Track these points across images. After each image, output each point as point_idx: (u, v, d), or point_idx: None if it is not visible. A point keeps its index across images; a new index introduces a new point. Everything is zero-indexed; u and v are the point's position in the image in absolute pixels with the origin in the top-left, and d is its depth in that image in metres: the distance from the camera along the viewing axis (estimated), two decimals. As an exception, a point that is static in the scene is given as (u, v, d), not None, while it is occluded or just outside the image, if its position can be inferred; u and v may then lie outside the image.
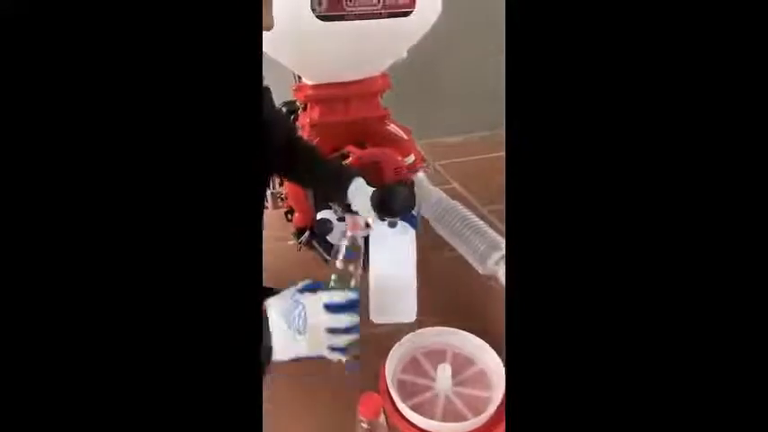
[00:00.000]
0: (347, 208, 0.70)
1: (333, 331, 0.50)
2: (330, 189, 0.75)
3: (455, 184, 1.20)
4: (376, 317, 0.62)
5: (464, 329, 0.68)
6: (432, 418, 0.57)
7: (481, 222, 0.92)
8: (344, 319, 0.50)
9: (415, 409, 0.58)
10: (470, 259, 0.89)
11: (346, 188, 0.69)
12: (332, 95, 0.89)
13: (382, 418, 0.48)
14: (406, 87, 1.08)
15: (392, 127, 0.98)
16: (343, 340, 0.51)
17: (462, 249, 0.91)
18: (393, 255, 0.65)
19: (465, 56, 1.40)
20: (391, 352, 0.64)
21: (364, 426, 0.47)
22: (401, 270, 0.65)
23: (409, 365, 0.67)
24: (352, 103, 0.90)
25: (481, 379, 0.64)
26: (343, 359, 0.52)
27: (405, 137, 0.99)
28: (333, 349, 0.51)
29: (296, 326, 0.49)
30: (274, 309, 0.49)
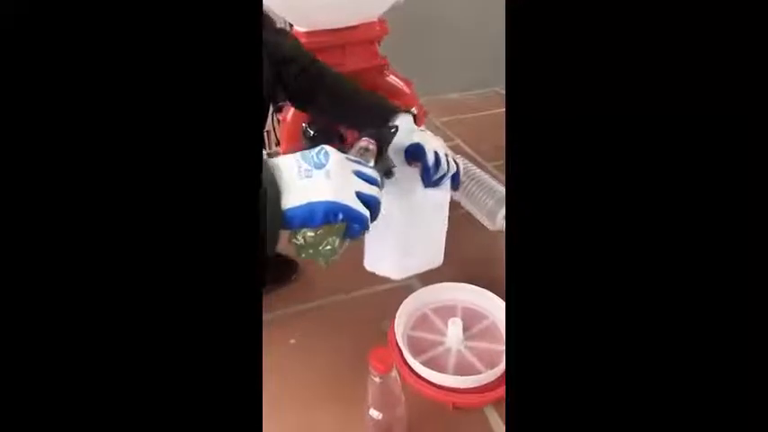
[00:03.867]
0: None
1: (361, 177, 0.41)
2: (367, 123, 0.58)
3: (458, 141, 1.15)
4: (401, 264, 0.57)
5: (473, 285, 0.66)
6: (444, 372, 0.56)
7: (488, 178, 0.89)
8: (374, 173, 0.42)
9: (426, 364, 0.56)
10: (479, 216, 0.87)
11: (387, 121, 0.56)
12: (327, 43, 0.83)
13: (395, 372, 0.46)
14: (404, 39, 1.01)
15: (392, 78, 0.93)
16: (373, 191, 0.41)
17: (470, 206, 0.88)
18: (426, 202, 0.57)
19: (468, 5, 1.32)
20: (400, 309, 0.62)
21: (377, 380, 0.45)
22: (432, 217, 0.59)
23: (419, 322, 0.65)
24: (348, 52, 0.85)
25: (493, 332, 0.63)
26: (369, 219, 0.41)
27: (405, 89, 0.93)
28: (361, 200, 0.40)
29: (316, 161, 0.39)
30: (281, 159, 0.39)
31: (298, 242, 0.40)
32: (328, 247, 0.41)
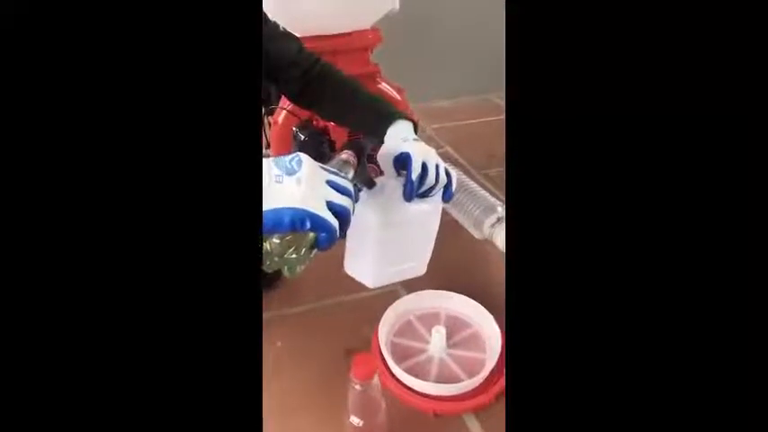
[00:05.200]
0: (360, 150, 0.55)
1: (333, 187, 0.41)
2: (367, 126, 0.60)
3: (448, 148, 1.16)
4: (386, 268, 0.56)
5: (458, 293, 0.67)
6: (425, 379, 0.56)
7: (476, 186, 0.90)
8: (347, 184, 0.42)
9: (408, 371, 0.56)
10: (465, 224, 0.87)
11: (385, 126, 0.56)
12: (318, 49, 0.83)
13: (376, 380, 0.46)
14: (395, 46, 1.02)
15: (383, 86, 0.93)
16: (344, 201, 0.41)
17: (456, 214, 0.89)
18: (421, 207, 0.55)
19: (460, 13, 1.34)
20: (384, 315, 0.63)
21: (357, 388, 0.45)
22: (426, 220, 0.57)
23: (403, 328, 0.65)
24: (340, 59, 0.85)
25: (476, 341, 0.63)
26: (337, 228, 0.40)
27: (397, 96, 0.94)
28: (332, 210, 0.40)
29: (288, 167, 0.39)
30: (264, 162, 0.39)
31: (263, 249, 0.39)
32: (293, 256, 0.39)
